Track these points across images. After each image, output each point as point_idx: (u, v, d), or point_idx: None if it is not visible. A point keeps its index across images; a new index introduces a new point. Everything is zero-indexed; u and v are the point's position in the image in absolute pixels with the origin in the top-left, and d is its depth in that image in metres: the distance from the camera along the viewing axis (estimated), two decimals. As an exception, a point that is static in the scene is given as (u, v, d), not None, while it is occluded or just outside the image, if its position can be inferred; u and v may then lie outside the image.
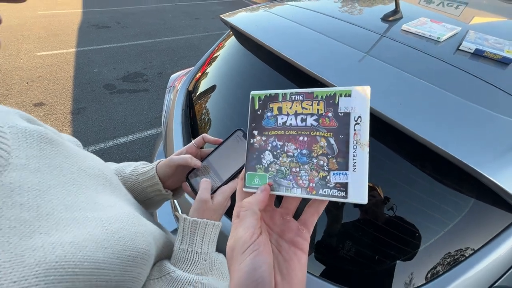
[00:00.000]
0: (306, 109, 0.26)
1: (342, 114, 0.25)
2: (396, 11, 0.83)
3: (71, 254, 0.23)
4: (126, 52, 3.91)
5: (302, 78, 0.64)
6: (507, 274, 0.49)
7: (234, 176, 0.44)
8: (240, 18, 0.92)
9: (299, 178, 0.26)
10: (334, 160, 0.25)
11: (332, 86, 0.52)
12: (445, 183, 0.52)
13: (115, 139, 2.31)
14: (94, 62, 3.56)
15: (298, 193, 0.26)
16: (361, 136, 0.24)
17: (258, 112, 0.29)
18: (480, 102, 0.51)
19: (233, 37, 1.00)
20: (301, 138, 0.26)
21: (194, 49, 4.09)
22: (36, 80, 3.06)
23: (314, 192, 0.25)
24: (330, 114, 0.26)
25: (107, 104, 2.77)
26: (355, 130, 0.25)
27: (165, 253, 0.40)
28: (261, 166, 0.27)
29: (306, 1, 1.09)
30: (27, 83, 2.99)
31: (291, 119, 0.27)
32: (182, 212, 0.86)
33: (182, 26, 4.97)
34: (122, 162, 0.52)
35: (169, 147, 0.94)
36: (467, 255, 0.49)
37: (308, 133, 0.26)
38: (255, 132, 0.28)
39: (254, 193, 0.27)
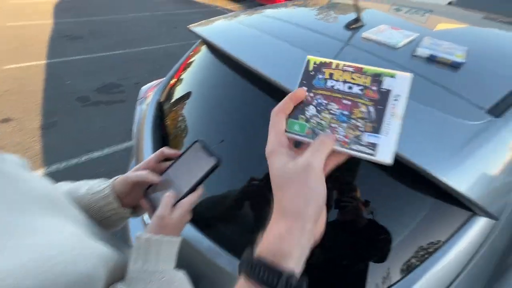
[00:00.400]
0: (354, 79, 0.32)
1: (385, 90, 0.30)
2: (357, 19, 0.87)
3: None
4: (101, 63, 3.81)
5: (265, 86, 0.65)
6: (468, 267, 0.51)
7: (193, 189, 0.43)
8: (207, 28, 0.93)
9: (336, 132, 0.30)
10: (370, 124, 0.30)
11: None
12: (407, 184, 0.53)
13: (89, 153, 2.22)
14: (66, 74, 3.44)
15: (334, 145, 0.30)
16: (397, 110, 0.29)
17: (311, 73, 0.33)
18: (432, 104, 0.53)
19: (203, 46, 1.00)
20: (344, 101, 0.31)
21: (172, 58, 4.04)
22: (3, 94, 2.90)
23: (347, 146, 0.29)
24: (374, 88, 0.31)
25: (81, 117, 2.67)
26: (393, 104, 0.29)
27: (120, 275, 0.38)
28: (303, 116, 0.32)
29: (274, 10, 1.11)
30: (-8, 98, 2.83)
31: (339, 85, 0.32)
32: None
33: (159, 35, 4.91)
34: (80, 180, 0.50)
35: (140, 161, 0.91)
36: (432, 251, 0.50)
37: (352, 98, 0.31)
38: (304, 88, 0.33)
39: (293, 138, 0.31)
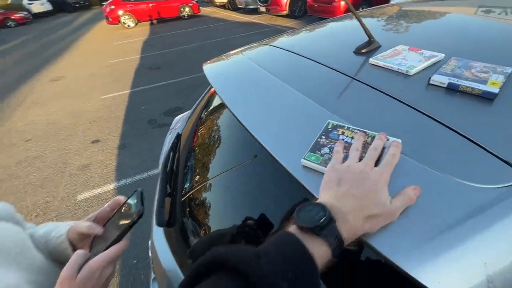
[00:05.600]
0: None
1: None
2: (370, 41, 0.75)
3: None
4: (170, 89, 4.37)
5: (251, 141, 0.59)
6: None
7: (108, 247, 0.42)
8: (212, 66, 0.95)
9: None
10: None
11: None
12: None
13: (149, 171, 2.53)
14: (143, 100, 4.07)
15: None
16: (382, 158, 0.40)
17: (329, 129, 0.47)
18: (444, 163, 0.40)
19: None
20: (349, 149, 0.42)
21: (229, 80, 4.34)
22: (97, 120, 3.62)
23: None
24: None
25: (148, 138, 3.09)
26: (382, 154, 0.40)
27: None
28: (319, 153, 0.43)
29: (293, 38, 1.06)
30: (90, 123, 3.57)
31: (348, 139, 0.44)
32: (151, 259, 0.86)
33: (220, 60, 5.36)
34: (57, 222, 0.56)
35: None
36: None
37: None
38: (324, 137, 0.46)
39: (308, 167, 0.43)
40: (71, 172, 2.66)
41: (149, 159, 2.70)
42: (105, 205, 0.51)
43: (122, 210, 0.47)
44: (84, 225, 0.47)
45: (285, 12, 8.26)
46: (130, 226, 0.43)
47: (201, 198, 0.86)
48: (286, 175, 0.44)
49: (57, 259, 0.50)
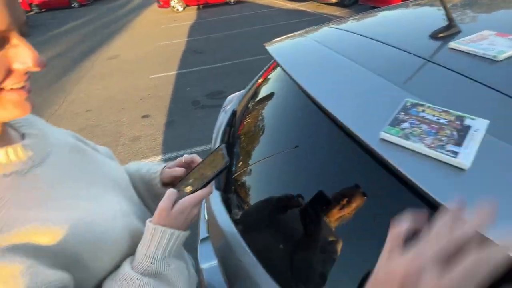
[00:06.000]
0: (441, 115, 0.44)
1: (466, 125, 0.41)
2: (450, 26, 0.71)
3: (46, 227, 0.34)
4: (213, 73, 4.51)
5: (328, 118, 0.60)
6: None
7: (196, 189, 0.47)
8: (279, 46, 0.98)
9: (424, 140, 0.41)
10: (453, 141, 0.40)
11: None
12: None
13: (192, 148, 2.69)
14: (188, 82, 4.27)
15: (421, 146, 0.40)
16: (476, 137, 0.39)
17: (408, 106, 0.47)
18: None
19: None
20: (432, 125, 0.43)
21: (271, 67, 4.34)
22: (146, 98, 3.90)
23: (433, 149, 0.39)
24: (457, 122, 0.42)
25: (191, 117, 3.25)
26: (472, 133, 0.39)
27: None
28: (399, 127, 0.44)
29: (359, 21, 1.04)
30: (140, 99, 3.86)
31: (429, 116, 0.44)
32: (207, 220, 0.95)
33: (261, 47, 5.35)
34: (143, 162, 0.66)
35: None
36: None
37: (438, 126, 0.43)
38: (403, 113, 0.46)
39: (387, 140, 0.43)
40: (124, 142, 2.93)
41: (192, 137, 2.86)
42: (189, 156, 0.58)
43: (208, 161, 0.52)
44: (178, 170, 0.55)
45: (334, 0, 7.89)
46: (217, 173, 0.47)
47: (254, 172, 0.92)
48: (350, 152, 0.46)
49: (146, 192, 0.59)
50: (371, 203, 0.53)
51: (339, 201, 0.58)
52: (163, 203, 0.44)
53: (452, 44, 0.64)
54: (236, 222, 0.79)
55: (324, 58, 0.76)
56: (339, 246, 0.58)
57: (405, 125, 0.44)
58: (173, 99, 3.75)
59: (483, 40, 0.62)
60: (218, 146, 0.52)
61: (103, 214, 0.41)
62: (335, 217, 0.60)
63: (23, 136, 0.40)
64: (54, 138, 0.44)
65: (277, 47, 0.97)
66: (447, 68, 0.58)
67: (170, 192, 0.46)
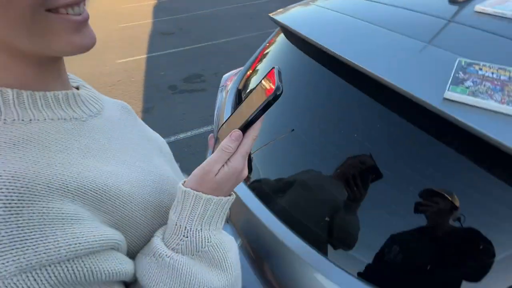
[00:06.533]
0: (500, 72, 0.46)
1: None
2: (467, -9, 0.72)
3: (105, 178, 0.32)
4: (187, 55, 4.27)
5: (351, 73, 0.62)
6: None
7: (249, 124, 0.35)
8: (289, 15, 0.93)
9: (493, 96, 0.42)
10: None
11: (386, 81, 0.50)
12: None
13: (176, 135, 2.57)
14: (161, 66, 4.00)
15: (491, 102, 0.42)
16: None
17: (464, 66, 0.48)
18: None
19: (282, 34, 1.01)
20: (495, 82, 0.44)
21: (248, 49, 4.21)
22: (117, 84, 3.59)
23: (505, 104, 0.41)
24: None
25: (170, 103, 3.08)
26: None
27: None
28: (463, 86, 0.44)
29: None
30: (109, 86, 3.54)
31: (488, 74, 0.45)
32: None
33: (236, 28, 5.16)
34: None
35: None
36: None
37: (501, 82, 0.44)
38: (461, 72, 0.46)
39: (453, 99, 0.44)
40: (98, 133, 2.70)
41: (173, 123, 2.72)
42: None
43: (254, 91, 0.37)
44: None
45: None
46: (267, 104, 0.33)
47: (275, 150, 0.89)
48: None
49: None
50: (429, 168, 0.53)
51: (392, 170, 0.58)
52: (207, 165, 0.34)
53: (478, 7, 0.65)
54: (262, 198, 0.76)
55: (348, 25, 0.73)
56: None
57: (468, 83, 0.45)
58: (148, 85, 3.51)
59: (508, 2, 0.64)
60: (273, 67, 0.35)
61: (156, 175, 0.40)
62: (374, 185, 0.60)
63: (77, 88, 0.38)
64: (103, 97, 0.43)
65: (285, 16, 0.92)
66: (481, 30, 0.59)
67: (220, 154, 0.34)
